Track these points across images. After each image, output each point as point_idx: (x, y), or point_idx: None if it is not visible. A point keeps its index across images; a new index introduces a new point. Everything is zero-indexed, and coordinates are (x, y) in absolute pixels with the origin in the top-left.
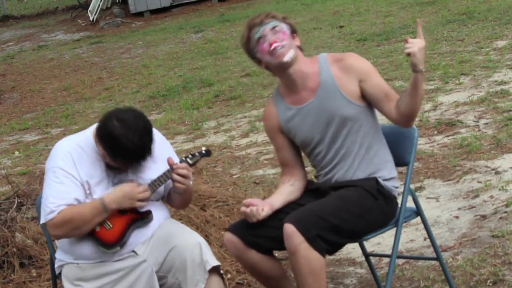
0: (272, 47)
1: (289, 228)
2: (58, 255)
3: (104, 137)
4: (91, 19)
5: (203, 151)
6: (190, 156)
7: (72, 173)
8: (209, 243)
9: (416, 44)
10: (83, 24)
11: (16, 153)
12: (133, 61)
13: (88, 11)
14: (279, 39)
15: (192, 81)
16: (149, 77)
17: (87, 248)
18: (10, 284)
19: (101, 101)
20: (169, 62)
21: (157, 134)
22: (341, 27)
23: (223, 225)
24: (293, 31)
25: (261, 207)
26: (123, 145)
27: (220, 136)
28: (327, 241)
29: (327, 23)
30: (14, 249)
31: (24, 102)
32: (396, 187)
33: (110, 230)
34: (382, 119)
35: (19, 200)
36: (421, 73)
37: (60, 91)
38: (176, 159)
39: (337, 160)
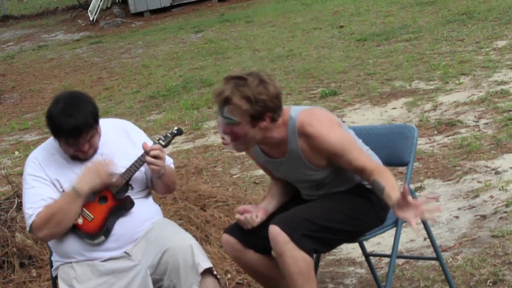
0: (223, 144)
1: (274, 230)
2: (53, 258)
3: (47, 118)
4: (91, 19)
5: (174, 131)
6: (162, 137)
7: (40, 175)
8: (209, 243)
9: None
10: (83, 24)
11: (16, 153)
12: (133, 61)
13: (88, 11)
14: (228, 135)
15: (192, 81)
16: (149, 77)
17: (73, 244)
18: (10, 284)
19: (101, 101)
20: (169, 62)
21: (127, 124)
22: (341, 27)
23: (223, 225)
24: (260, 115)
25: (255, 214)
26: (55, 121)
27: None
28: (315, 240)
29: (327, 23)
30: (14, 249)
31: (24, 102)
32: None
33: (92, 221)
34: (382, 119)
35: (19, 200)
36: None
37: (60, 91)
38: (150, 143)
39: (317, 192)
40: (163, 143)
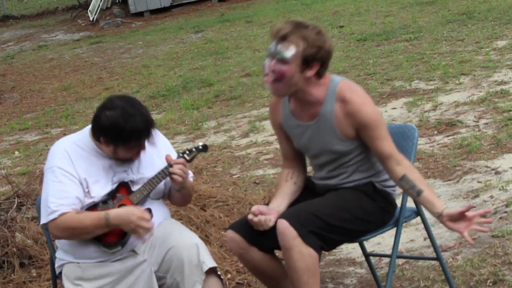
0: (265, 79)
1: (283, 224)
2: (59, 254)
3: (108, 130)
4: (91, 19)
5: (200, 146)
6: (187, 152)
7: (69, 171)
8: (209, 243)
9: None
10: (83, 24)
11: (16, 153)
12: (133, 61)
13: (88, 11)
14: (274, 73)
15: (192, 81)
16: (149, 77)
17: (88, 248)
18: (10, 284)
19: (101, 101)
20: (169, 62)
21: (156, 132)
22: (341, 27)
23: (223, 225)
24: (311, 60)
25: (269, 217)
26: (129, 126)
27: (220, 136)
28: (321, 237)
29: (327, 23)
30: (14, 249)
31: (24, 102)
32: (394, 190)
33: (111, 230)
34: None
35: (19, 200)
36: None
37: (60, 91)
38: (174, 156)
39: (331, 174)
40: (187, 158)
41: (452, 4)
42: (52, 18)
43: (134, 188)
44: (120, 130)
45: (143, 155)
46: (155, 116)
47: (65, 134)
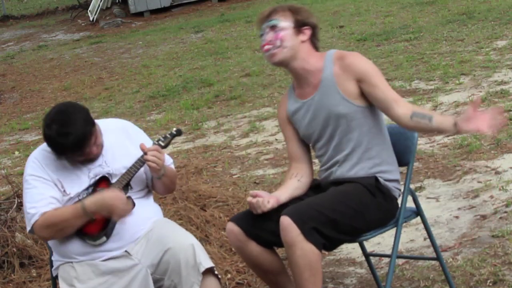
0: (264, 49)
1: (286, 221)
2: (54, 257)
3: (48, 145)
4: (91, 19)
5: (174, 131)
6: (161, 138)
7: (41, 175)
8: (209, 243)
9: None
10: (83, 24)
11: (16, 153)
12: (133, 61)
13: (88, 11)
14: (272, 40)
15: (192, 81)
16: (149, 77)
17: (75, 244)
18: (10, 284)
19: (101, 101)
20: (169, 62)
21: (127, 123)
22: (341, 27)
23: (223, 225)
24: (302, 25)
25: (267, 199)
26: (55, 142)
27: (220, 136)
28: (323, 235)
29: (327, 23)
30: (14, 249)
31: (24, 102)
32: (397, 188)
33: (93, 222)
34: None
35: (19, 200)
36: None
37: (60, 91)
38: (149, 144)
39: (337, 157)
40: (162, 144)
41: (452, 4)
42: (52, 18)
43: (114, 180)
44: (55, 147)
45: (117, 146)
46: (155, 116)
47: None
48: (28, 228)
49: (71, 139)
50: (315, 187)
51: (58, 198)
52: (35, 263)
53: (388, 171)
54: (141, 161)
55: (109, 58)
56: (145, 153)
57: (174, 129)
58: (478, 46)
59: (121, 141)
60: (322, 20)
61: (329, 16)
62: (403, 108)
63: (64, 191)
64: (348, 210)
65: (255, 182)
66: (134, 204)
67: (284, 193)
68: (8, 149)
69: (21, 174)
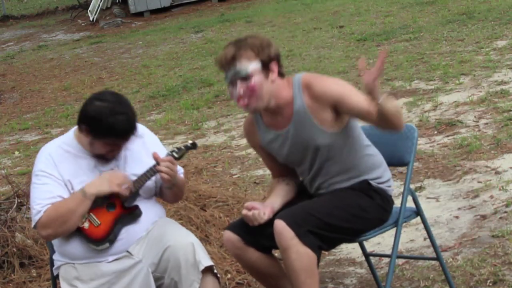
0: (239, 104)
1: (280, 224)
2: (56, 256)
3: (91, 119)
4: (91, 19)
5: (189, 144)
6: (176, 150)
7: (53, 173)
8: (209, 243)
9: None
10: (83, 24)
11: (16, 153)
12: (133, 61)
13: (88, 11)
14: (246, 93)
15: (192, 81)
16: (149, 77)
17: (77, 247)
18: (10, 284)
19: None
20: (169, 62)
21: (145, 130)
22: (341, 27)
23: (223, 225)
24: (268, 62)
25: (263, 211)
26: (112, 120)
27: (220, 136)
28: (319, 237)
29: (327, 23)
30: (14, 249)
31: (24, 102)
32: (389, 186)
33: (98, 227)
34: None
35: (19, 200)
36: (380, 104)
37: (60, 91)
38: (163, 153)
39: (319, 179)
40: (176, 156)
41: (452, 4)
42: (52, 18)
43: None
44: (102, 122)
45: (130, 152)
46: (155, 116)
47: None
48: (33, 224)
49: (123, 119)
50: (306, 191)
51: (65, 198)
52: (35, 263)
53: (378, 177)
54: (153, 171)
55: (109, 58)
56: (158, 163)
57: (190, 141)
58: (478, 46)
59: (136, 148)
60: (322, 20)
61: (329, 16)
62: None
63: (74, 192)
64: (345, 214)
65: (255, 182)
66: (141, 213)
67: (276, 200)
68: (8, 149)
69: (21, 174)
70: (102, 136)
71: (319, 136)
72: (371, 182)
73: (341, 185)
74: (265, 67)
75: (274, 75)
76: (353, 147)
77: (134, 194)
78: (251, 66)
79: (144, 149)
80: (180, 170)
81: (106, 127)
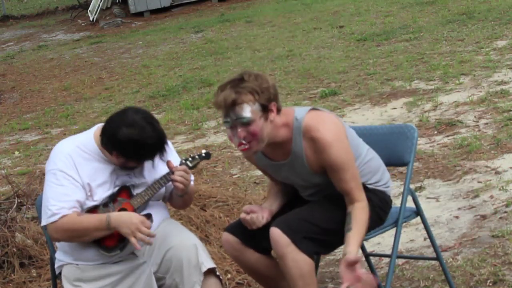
0: (240, 148)
1: (275, 232)
2: (58, 255)
3: (125, 146)
4: (91, 19)
5: (203, 154)
6: (190, 158)
7: (72, 175)
8: (209, 243)
9: None
10: (83, 24)
11: (16, 153)
12: (133, 61)
13: (88, 11)
14: (247, 138)
15: (192, 81)
16: (149, 77)
17: (88, 251)
18: (10, 284)
19: (101, 101)
20: (169, 62)
21: None
22: (341, 27)
23: (223, 225)
24: (268, 103)
25: (261, 215)
26: (147, 145)
27: (220, 136)
28: (316, 242)
29: (327, 23)
30: (14, 249)
31: (24, 102)
32: (387, 187)
33: (110, 234)
34: (381, 119)
35: (19, 200)
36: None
37: (60, 91)
38: (176, 161)
39: (316, 197)
40: (190, 165)
41: (452, 4)
42: (52, 18)
43: (135, 191)
44: (138, 148)
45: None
46: (155, 116)
47: (65, 134)
48: (43, 223)
49: (155, 139)
50: (300, 196)
51: (82, 202)
52: (35, 263)
53: (376, 182)
54: (166, 179)
55: (109, 58)
56: (172, 172)
57: (204, 151)
58: (478, 46)
59: None
60: (322, 20)
61: (329, 16)
62: (349, 204)
63: (91, 195)
64: (341, 217)
65: (255, 182)
66: (152, 222)
67: (274, 203)
68: (8, 149)
69: (21, 174)
70: (139, 159)
71: (315, 178)
72: (368, 185)
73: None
74: (265, 110)
75: (273, 114)
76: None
77: (146, 201)
78: (252, 111)
79: (159, 157)
80: (191, 178)
81: (143, 152)
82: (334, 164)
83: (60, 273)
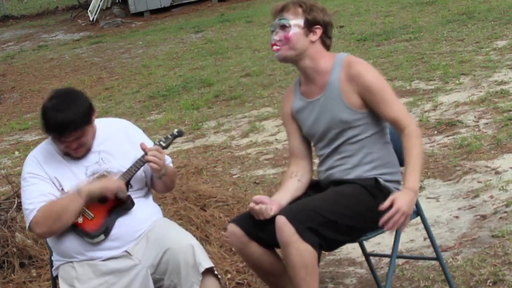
0: (273, 49)
1: (281, 220)
2: (54, 256)
3: (40, 119)
4: (91, 19)
5: (175, 132)
6: (163, 139)
7: (39, 173)
8: (209, 243)
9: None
10: (83, 24)
11: (16, 153)
12: (133, 61)
13: (88, 11)
14: (281, 40)
15: (192, 81)
16: (149, 77)
17: (73, 243)
18: (10, 284)
19: (101, 101)
20: (169, 62)
21: (127, 123)
22: (341, 27)
23: (223, 225)
24: (313, 24)
25: (270, 207)
26: (45, 115)
27: (220, 136)
28: (320, 235)
29: None
30: (14, 249)
31: (24, 102)
32: (397, 189)
33: (92, 220)
34: None
35: (19, 200)
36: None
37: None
38: (150, 144)
39: (337, 158)
40: (163, 144)
41: (452, 4)
42: (52, 18)
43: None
44: (42, 120)
45: (115, 145)
46: (155, 116)
47: None
48: (28, 224)
49: (59, 118)
50: (314, 185)
51: (55, 195)
52: (35, 263)
53: (389, 173)
54: (141, 161)
55: (109, 58)
56: (145, 153)
57: (176, 130)
58: (478, 46)
59: (120, 140)
60: None
61: None
62: (400, 134)
63: (62, 189)
64: (347, 211)
65: (255, 182)
66: (133, 204)
67: (284, 196)
68: (8, 149)
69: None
70: (44, 129)
71: (344, 111)
72: (380, 178)
73: (351, 174)
74: (308, 26)
75: (314, 37)
76: (377, 134)
77: (126, 184)
78: (294, 18)
79: (129, 142)
80: (168, 160)
81: (44, 121)
82: (371, 84)
83: (58, 275)
